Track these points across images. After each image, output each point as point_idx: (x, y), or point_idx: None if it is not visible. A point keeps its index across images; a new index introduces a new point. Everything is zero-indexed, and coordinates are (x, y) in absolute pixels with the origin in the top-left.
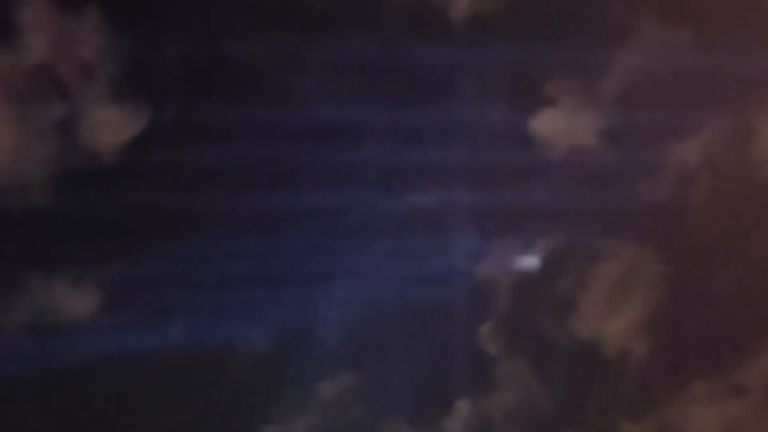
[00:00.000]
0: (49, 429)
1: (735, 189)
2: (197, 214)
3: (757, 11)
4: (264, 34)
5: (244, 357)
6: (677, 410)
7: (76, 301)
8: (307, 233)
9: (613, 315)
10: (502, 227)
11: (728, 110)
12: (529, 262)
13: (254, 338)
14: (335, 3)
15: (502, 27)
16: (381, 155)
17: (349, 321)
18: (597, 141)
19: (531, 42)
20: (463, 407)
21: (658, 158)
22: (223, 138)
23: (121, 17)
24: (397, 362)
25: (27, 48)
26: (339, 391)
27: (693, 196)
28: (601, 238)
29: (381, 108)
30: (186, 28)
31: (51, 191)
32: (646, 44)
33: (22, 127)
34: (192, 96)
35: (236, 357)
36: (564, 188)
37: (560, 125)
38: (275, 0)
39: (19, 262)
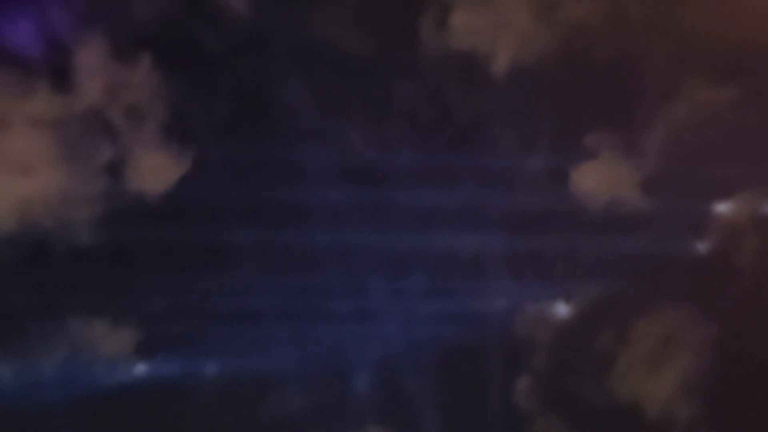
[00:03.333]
0: None
1: None
2: (238, 257)
3: None
4: (309, 81)
5: (275, 402)
6: None
7: (113, 340)
8: (344, 280)
9: (655, 375)
10: (541, 278)
11: None
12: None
13: (286, 383)
14: (381, 53)
15: (543, 81)
16: (419, 203)
17: (382, 372)
18: (638, 195)
19: (572, 96)
20: None
21: (702, 215)
22: (265, 180)
23: (172, 64)
24: (428, 416)
25: (80, 91)
26: None
27: (738, 255)
28: (642, 294)
29: (422, 155)
30: (231, 74)
31: (95, 231)
32: (691, 101)
33: (72, 169)
34: (236, 139)
35: (267, 401)
36: (603, 241)
37: (601, 178)
38: (321, 48)
39: (60, 300)
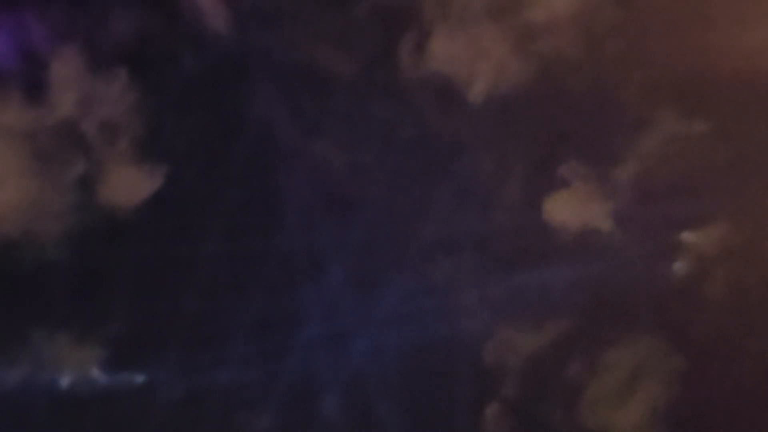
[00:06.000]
0: None
1: (752, 283)
2: (208, 275)
3: None
4: (286, 101)
5: (241, 422)
6: None
7: (78, 355)
8: (315, 300)
9: (623, 406)
10: (512, 306)
11: (745, 202)
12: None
13: (252, 403)
14: (358, 75)
15: (519, 111)
16: (390, 228)
17: (351, 397)
18: (610, 226)
19: (546, 126)
20: None
21: (673, 246)
22: (238, 198)
23: (149, 81)
24: None
25: (53, 105)
26: None
27: (708, 288)
28: (611, 325)
29: (396, 177)
30: (209, 92)
31: (63, 247)
32: (663, 134)
33: (43, 182)
34: (210, 157)
35: (233, 421)
36: (574, 269)
37: (573, 208)
38: (299, 69)
39: (24, 316)
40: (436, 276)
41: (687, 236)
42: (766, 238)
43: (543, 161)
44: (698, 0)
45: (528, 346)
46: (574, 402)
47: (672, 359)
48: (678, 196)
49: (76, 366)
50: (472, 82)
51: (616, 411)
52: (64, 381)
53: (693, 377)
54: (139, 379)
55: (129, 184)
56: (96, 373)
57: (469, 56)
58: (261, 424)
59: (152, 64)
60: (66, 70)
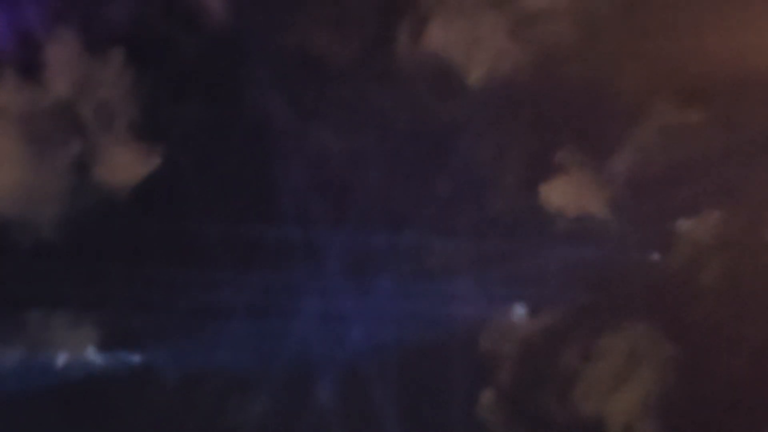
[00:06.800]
0: None
1: (746, 271)
2: (205, 256)
3: None
4: (283, 85)
5: (237, 403)
6: None
7: (76, 335)
8: (311, 298)
9: (617, 393)
10: (508, 291)
11: (740, 191)
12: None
13: (249, 385)
14: (356, 61)
15: (516, 98)
16: (387, 213)
17: (346, 382)
18: (606, 213)
19: (545, 111)
20: None
21: (668, 233)
22: (234, 180)
23: (145, 61)
24: (394, 426)
25: (49, 86)
26: None
27: (703, 275)
28: (606, 312)
29: (394, 161)
30: (205, 74)
31: (60, 228)
32: (659, 123)
33: (40, 163)
34: (207, 139)
35: (229, 410)
36: (570, 255)
37: (570, 195)
38: (297, 53)
39: (21, 298)
40: (432, 262)
41: (682, 224)
42: (760, 226)
43: (540, 148)
44: None
45: (523, 332)
46: (569, 389)
47: (666, 347)
48: (673, 185)
49: (73, 347)
50: (470, 69)
51: (610, 397)
52: (60, 362)
53: (687, 365)
54: (135, 360)
55: (125, 166)
56: (92, 355)
57: (466, 43)
58: (256, 407)
59: (149, 46)
60: (62, 52)
